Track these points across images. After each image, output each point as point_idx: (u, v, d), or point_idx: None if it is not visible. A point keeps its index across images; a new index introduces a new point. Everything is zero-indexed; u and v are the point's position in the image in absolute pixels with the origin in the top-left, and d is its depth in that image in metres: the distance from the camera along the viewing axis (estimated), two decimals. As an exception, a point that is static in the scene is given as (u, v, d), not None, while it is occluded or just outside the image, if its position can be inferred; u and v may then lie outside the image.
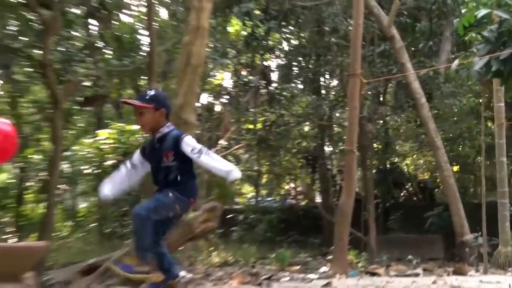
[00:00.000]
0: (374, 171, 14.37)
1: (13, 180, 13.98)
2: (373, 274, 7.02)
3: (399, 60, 10.45)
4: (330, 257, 9.43)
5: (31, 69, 9.74)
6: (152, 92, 4.02)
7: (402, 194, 16.44)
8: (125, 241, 10.36)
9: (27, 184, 13.54)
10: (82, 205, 14.81)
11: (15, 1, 7.70)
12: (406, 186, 16.56)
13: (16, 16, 7.98)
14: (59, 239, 12.69)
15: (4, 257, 3.56)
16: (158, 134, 3.81)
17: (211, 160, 3.72)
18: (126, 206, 14.47)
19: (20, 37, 8.52)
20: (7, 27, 8.40)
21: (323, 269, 8.10)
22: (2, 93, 12.30)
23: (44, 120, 11.95)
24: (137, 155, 3.94)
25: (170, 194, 3.70)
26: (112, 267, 3.57)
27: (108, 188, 3.87)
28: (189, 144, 3.72)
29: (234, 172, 3.67)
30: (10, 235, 13.46)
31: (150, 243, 3.63)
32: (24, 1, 7.51)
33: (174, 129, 3.88)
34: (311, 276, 6.70)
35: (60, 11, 7.66)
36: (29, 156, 13.03)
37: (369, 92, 12.60)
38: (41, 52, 7.83)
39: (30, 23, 8.15)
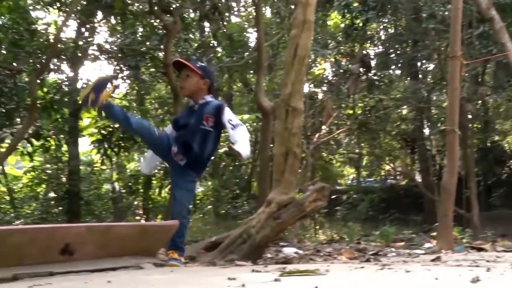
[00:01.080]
0: (474, 149, 13.66)
1: (141, 168, 14.66)
2: (479, 249, 6.68)
3: (499, 40, 9.76)
4: (433, 233, 9.10)
5: (155, 69, 10.18)
6: (202, 63, 4.04)
7: (504, 171, 15.49)
8: (239, 221, 10.66)
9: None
10: (199, 189, 15.33)
11: (142, 10, 8.07)
12: (508, 164, 15.61)
13: (143, 23, 8.37)
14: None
15: (143, 234, 3.72)
16: (201, 101, 3.78)
17: (244, 133, 3.67)
18: (237, 189, 14.90)
19: (146, 42, 8.91)
20: (136, 33, 8.83)
21: (428, 245, 7.84)
22: (129, 91, 12.94)
23: (166, 114, 12.46)
24: (169, 128, 3.97)
25: (196, 180, 3.84)
26: (172, 264, 3.61)
27: (143, 166, 4.14)
28: (229, 113, 3.72)
29: (246, 151, 3.62)
30: (139, 217, 14.24)
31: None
32: (149, 10, 7.85)
33: (216, 100, 3.90)
34: (417, 251, 6.51)
35: (179, 16, 7.93)
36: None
37: (466, 74, 11.96)
38: (163, 53, 8.14)
39: (154, 28, 8.51)
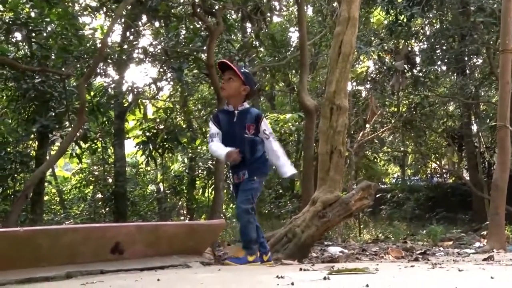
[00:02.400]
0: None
1: (185, 169, 14.85)
2: (534, 248, 6.45)
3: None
4: (483, 232, 8.86)
5: (198, 71, 10.27)
6: (246, 70, 4.09)
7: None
8: (282, 221, 10.62)
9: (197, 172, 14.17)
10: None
11: (185, 12, 8.13)
12: None
13: (186, 26, 8.44)
14: (226, 219, 13.29)
15: (190, 233, 3.74)
16: (240, 107, 3.86)
17: (280, 148, 3.89)
18: (280, 189, 14.87)
19: (189, 44, 8.98)
20: (179, 36, 8.92)
21: (478, 244, 7.65)
22: (173, 92, 13.11)
23: (210, 115, 12.52)
24: (215, 127, 3.87)
25: (255, 178, 3.77)
26: (227, 263, 3.64)
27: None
28: (266, 124, 3.88)
29: (293, 169, 3.89)
30: (184, 217, 14.39)
31: (256, 235, 3.71)
32: (192, 12, 7.90)
33: (254, 108, 4.03)
34: (467, 251, 6.34)
35: (221, 17, 7.96)
36: (198, 147, 13.70)
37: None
38: (206, 55, 8.18)
39: (197, 30, 8.57)
